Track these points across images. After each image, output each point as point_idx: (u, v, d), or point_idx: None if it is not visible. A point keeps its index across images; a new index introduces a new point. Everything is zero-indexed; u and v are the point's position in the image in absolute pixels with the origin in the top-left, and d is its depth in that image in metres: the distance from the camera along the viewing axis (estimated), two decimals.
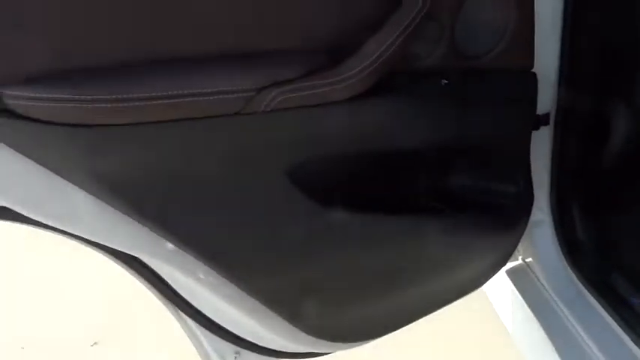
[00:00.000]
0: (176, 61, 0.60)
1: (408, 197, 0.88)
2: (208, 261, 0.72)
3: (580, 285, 1.07)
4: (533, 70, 0.92)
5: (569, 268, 1.10)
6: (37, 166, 0.58)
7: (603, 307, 0.99)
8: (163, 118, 0.60)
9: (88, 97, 0.55)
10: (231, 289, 0.77)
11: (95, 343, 1.96)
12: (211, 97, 0.61)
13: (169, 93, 0.58)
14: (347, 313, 0.94)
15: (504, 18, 0.83)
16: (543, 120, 1.03)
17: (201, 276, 0.75)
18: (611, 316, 0.98)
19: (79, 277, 2.20)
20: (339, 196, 0.78)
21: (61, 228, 0.64)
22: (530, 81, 0.90)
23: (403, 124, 0.80)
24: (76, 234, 0.67)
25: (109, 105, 0.56)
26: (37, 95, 0.53)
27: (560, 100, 1.02)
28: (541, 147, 1.06)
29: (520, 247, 1.19)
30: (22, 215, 0.61)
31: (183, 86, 0.59)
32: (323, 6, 0.70)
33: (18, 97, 0.54)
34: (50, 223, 0.63)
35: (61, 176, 0.59)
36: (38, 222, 0.63)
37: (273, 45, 0.67)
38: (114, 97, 0.56)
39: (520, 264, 1.25)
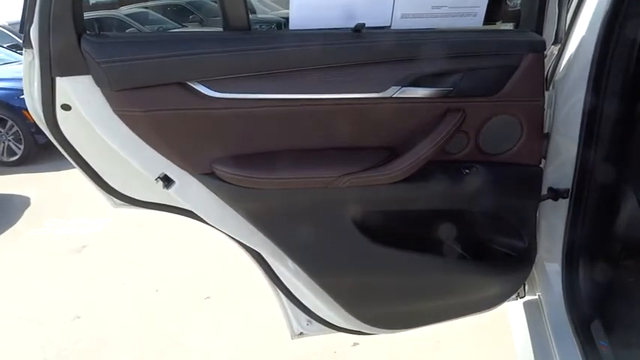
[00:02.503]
0: (298, 154, 1.10)
1: (441, 245, 1.29)
2: (300, 263, 1.23)
3: (569, 323, 1.40)
4: (558, 160, 1.27)
5: (565, 309, 1.43)
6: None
7: (579, 344, 1.32)
8: (291, 187, 1.11)
9: (261, 176, 1.09)
10: (309, 281, 1.27)
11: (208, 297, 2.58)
12: (314, 179, 1.10)
13: (294, 176, 1.09)
14: (386, 309, 1.39)
15: (518, 132, 1.19)
16: (563, 194, 1.37)
17: (291, 267, 1.25)
18: (583, 351, 1.31)
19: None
20: (390, 238, 1.24)
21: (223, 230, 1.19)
22: (537, 173, 1.25)
23: (436, 198, 1.22)
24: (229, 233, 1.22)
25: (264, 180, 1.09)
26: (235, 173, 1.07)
27: (577, 182, 1.35)
28: (560, 214, 1.40)
29: (539, 285, 1.53)
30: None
31: (301, 173, 1.10)
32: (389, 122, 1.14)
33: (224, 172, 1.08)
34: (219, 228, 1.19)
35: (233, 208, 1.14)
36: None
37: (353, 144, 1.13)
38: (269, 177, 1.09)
39: (535, 298, 1.59)
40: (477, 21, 1.19)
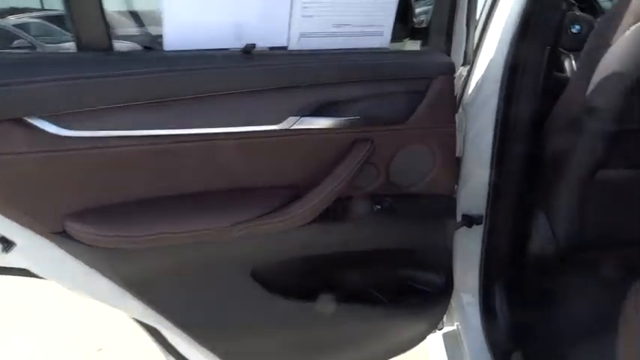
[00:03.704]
0: (179, 201, 0.91)
1: (354, 290, 1.16)
2: (191, 333, 1.04)
3: (489, 355, 1.33)
4: (470, 185, 1.19)
5: (484, 340, 1.37)
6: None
7: None
8: (170, 243, 0.92)
9: (128, 234, 0.87)
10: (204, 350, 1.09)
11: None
12: (200, 232, 0.91)
13: (174, 230, 0.89)
14: None
15: (430, 161, 1.10)
16: (477, 220, 1.31)
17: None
18: None
19: None
20: (298, 290, 1.08)
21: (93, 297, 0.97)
22: (451, 203, 1.17)
23: (345, 239, 1.08)
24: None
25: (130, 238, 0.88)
26: (94, 232, 0.85)
27: (491, 207, 1.29)
28: (475, 241, 1.33)
29: (456, 315, 1.47)
30: None
31: (181, 226, 0.90)
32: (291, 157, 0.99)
33: (78, 230, 0.86)
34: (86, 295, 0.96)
35: (100, 272, 0.91)
36: None
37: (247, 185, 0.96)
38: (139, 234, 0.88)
39: (454, 329, 1.52)
40: (383, 41, 1.08)
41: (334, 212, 1.03)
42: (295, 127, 0.93)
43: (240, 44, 0.92)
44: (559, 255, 1.36)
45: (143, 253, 0.91)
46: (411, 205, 1.12)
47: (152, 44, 0.96)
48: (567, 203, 1.26)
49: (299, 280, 1.09)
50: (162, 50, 0.89)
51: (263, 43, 0.95)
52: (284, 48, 1.00)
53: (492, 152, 1.23)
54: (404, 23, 1.38)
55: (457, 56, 1.16)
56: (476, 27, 1.21)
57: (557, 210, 1.30)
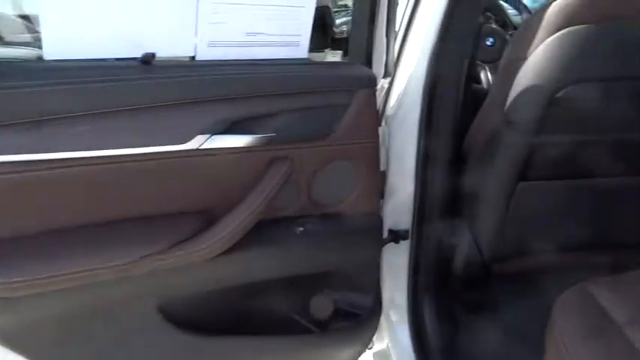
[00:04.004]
0: (68, 236, 0.77)
1: (278, 321, 1.07)
2: None
3: None
4: (395, 199, 1.14)
5: (415, 358, 1.33)
6: None
7: None
8: (54, 289, 0.77)
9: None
10: None
11: None
12: (94, 272, 0.78)
13: (61, 272, 0.75)
14: None
15: (354, 178, 1.04)
16: (403, 235, 1.27)
17: None
18: None
19: None
20: (218, 325, 0.97)
21: None
22: (377, 220, 1.12)
23: (267, 266, 0.99)
24: None
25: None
26: None
27: (417, 220, 1.26)
28: (402, 257, 1.29)
29: (386, 334, 1.42)
30: None
31: (70, 266, 0.76)
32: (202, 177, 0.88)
33: None
34: None
35: None
36: None
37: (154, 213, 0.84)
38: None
39: (384, 348, 1.47)
40: (300, 51, 1.01)
41: (253, 238, 0.94)
42: (205, 146, 0.83)
43: (138, 53, 0.80)
44: (484, 267, 1.36)
45: (23, 301, 0.76)
46: (335, 225, 1.06)
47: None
48: (489, 215, 1.26)
49: (215, 314, 0.98)
50: (45, 61, 0.76)
51: (166, 52, 0.85)
52: (191, 58, 0.90)
53: (416, 165, 1.20)
54: (323, 33, 1.33)
55: (378, 68, 1.12)
56: (396, 38, 1.18)
57: (480, 222, 1.29)
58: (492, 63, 1.77)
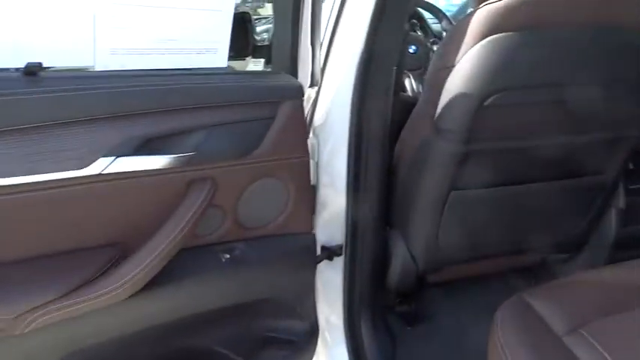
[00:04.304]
0: None
1: (201, 356, 0.96)
2: None
3: None
4: (327, 213, 1.07)
5: None
6: None
7: None
8: None
9: None
10: None
11: None
12: None
13: None
14: None
15: (283, 197, 0.96)
16: (337, 251, 1.20)
17: None
18: None
19: None
20: None
21: None
22: (310, 239, 1.05)
23: (190, 301, 0.88)
24: None
25: None
26: None
27: (350, 235, 1.20)
28: (336, 274, 1.23)
29: (323, 355, 1.35)
30: None
31: None
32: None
33: None
34: None
35: None
36: None
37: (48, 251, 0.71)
38: None
39: None
40: (219, 59, 0.92)
41: (174, 270, 0.83)
42: (109, 170, 0.71)
43: (20, 63, 0.67)
44: (419, 278, 1.33)
45: None
46: (266, 248, 0.97)
47: None
48: (423, 226, 1.24)
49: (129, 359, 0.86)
50: None
51: (57, 61, 0.72)
52: (90, 68, 0.77)
53: (347, 177, 1.14)
54: (244, 39, 1.25)
55: (304, 77, 1.05)
56: (321, 46, 1.11)
57: (414, 233, 1.26)
58: (415, 71, 1.77)
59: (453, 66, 1.03)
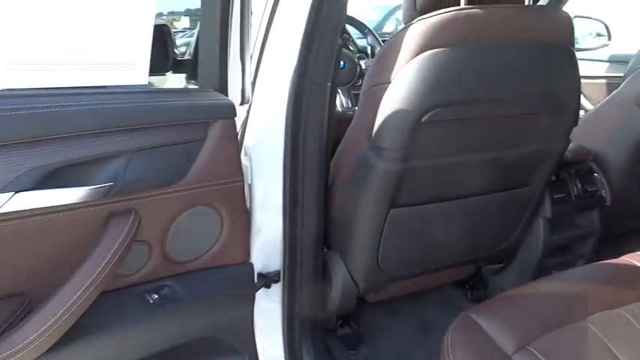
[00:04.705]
0: None
1: None
2: None
3: None
4: (263, 238, 1.00)
5: None
6: None
7: None
8: None
9: None
10: None
11: None
12: None
13: None
14: None
15: (217, 225, 0.88)
16: (275, 278, 1.13)
17: None
18: None
19: None
20: None
21: None
22: (247, 271, 0.97)
23: (112, 351, 0.77)
24: None
25: None
26: None
27: (288, 260, 1.13)
28: (275, 302, 1.15)
29: None
30: None
31: None
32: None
33: None
34: None
35: None
36: None
37: None
38: None
39: None
40: (139, 76, 0.83)
41: (93, 318, 0.72)
42: (9, 208, 0.60)
43: None
44: (360, 299, 1.29)
45: None
46: (198, 283, 0.88)
47: None
48: (363, 245, 1.20)
49: None
50: None
51: None
52: None
53: (284, 199, 1.08)
54: (163, 54, 1.16)
55: (234, 95, 0.97)
56: (251, 61, 1.05)
57: (354, 253, 1.22)
58: (344, 86, 1.75)
59: (389, 82, 1.01)
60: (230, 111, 0.86)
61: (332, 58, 1.04)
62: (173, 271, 0.84)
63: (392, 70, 1.00)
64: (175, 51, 1.53)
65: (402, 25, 1.04)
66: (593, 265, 1.09)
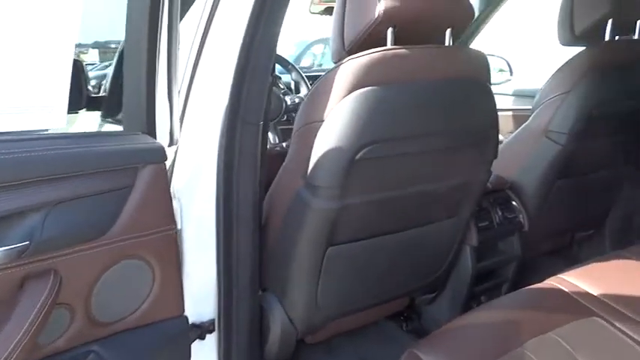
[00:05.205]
0: None
1: None
2: None
3: None
4: (196, 286, 0.94)
5: None
6: None
7: None
8: None
9: None
10: None
11: None
12: None
13: None
14: None
15: (148, 279, 0.81)
16: (209, 328, 1.06)
17: None
18: None
19: None
20: None
21: None
22: (182, 325, 0.90)
23: None
24: None
25: None
26: None
27: (223, 308, 1.07)
28: (209, 354, 1.08)
29: None
30: None
31: None
32: None
33: None
34: None
35: None
36: None
37: None
38: None
39: None
40: (56, 119, 0.75)
41: None
42: None
43: None
44: (298, 341, 1.25)
45: None
46: (128, 345, 0.80)
47: None
48: (301, 286, 1.17)
49: None
50: None
51: None
52: None
53: (217, 244, 1.03)
54: (76, 91, 1.08)
55: (162, 136, 0.92)
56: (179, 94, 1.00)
57: (292, 294, 1.19)
58: (271, 122, 1.74)
59: (322, 121, 1.01)
60: (160, 155, 0.80)
61: (264, 95, 1.02)
62: (99, 334, 0.75)
63: (325, 108, 1.00)
64: (89, 87, 1.44)
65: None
66: (522, 291, 1.13)
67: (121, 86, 1.17)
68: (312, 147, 1.01)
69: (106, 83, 1.66)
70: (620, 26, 1.45)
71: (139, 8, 0.77)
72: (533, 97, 1.61)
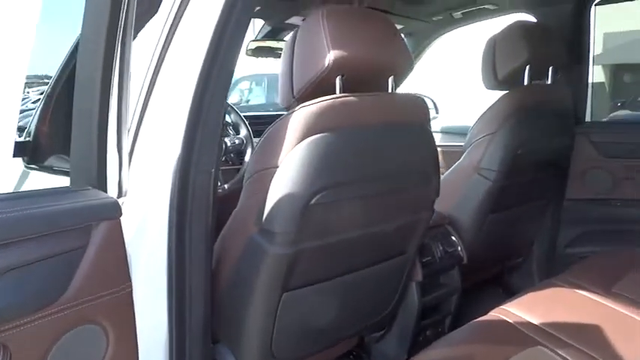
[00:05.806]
0: None
1: None
2: None
3: None
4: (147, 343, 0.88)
5: None
6: None
7: None
8: None
9: None
10: None
11: None
12: None
13: None
14: None
15: (102, 344, 0.75)
16: None
17: None
18: None
19: None
20: None
21: None
22: None
23: None
24: None
25: None
26: None
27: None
28: None
29: None
30: None
31: None
32: None
33: None
34: None
35: None
36: None
37: None
38: None
39: None
40: None
41: None
42: None
43: None
44: None
45: None
46: None
47: None
48: (255, 334, 1.14)
49: None
50: None
51: None
52: None
53: (169, 297, 0.98)
54: None
55: (112, 189, 0.87)
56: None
57: (245, 344, 1.15)
58: None
59: (277, 167, 1.01)
60: (115, 210, 0.76)
61: (216, 142, 1.01)
62: None
63: (279, 155, 1.01)
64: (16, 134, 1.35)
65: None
66: (469, 325, 1.18)
67: (49, 129, 1.10)
68: (267, 192, 1.01)
69: (30, 126, 1.56)
70: (537, 71, 1.60)
71: (89, 65, 0.75)
72: (459, 133, 1.72)
